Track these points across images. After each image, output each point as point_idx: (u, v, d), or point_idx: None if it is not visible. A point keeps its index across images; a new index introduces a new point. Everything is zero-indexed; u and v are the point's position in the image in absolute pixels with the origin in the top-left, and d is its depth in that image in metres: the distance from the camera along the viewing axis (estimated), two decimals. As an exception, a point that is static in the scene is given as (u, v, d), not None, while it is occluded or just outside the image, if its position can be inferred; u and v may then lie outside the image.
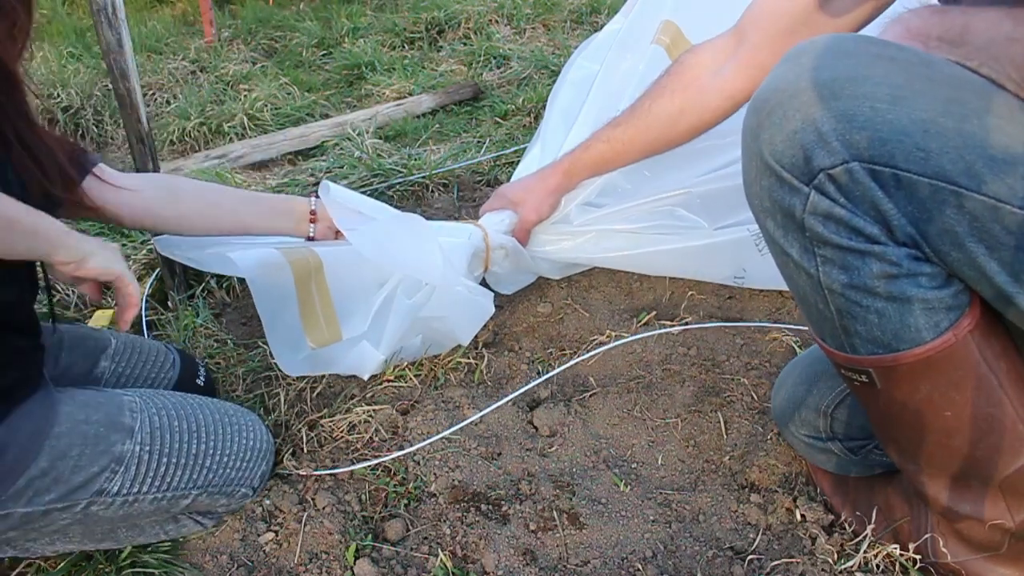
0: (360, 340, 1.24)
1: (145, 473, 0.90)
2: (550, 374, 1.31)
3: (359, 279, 1.26)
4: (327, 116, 2.52)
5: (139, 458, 0.90)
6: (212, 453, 0.96)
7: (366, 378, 1.27)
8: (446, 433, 1.17)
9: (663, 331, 1.38)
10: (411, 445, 1.16)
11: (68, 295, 1.52)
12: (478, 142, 2.18)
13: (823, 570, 0.95)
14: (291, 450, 1.15)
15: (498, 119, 2.33)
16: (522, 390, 1.26)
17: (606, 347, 1.35)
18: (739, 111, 1.18)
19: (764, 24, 1.07)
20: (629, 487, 1.09)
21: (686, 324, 1.40)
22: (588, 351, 1.35)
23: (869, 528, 0.96)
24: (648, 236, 1.42)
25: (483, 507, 1.07)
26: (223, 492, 0.99)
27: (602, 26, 1.75)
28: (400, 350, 1.30)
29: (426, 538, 1.03)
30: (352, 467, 1.12)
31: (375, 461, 1.13)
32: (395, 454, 1.14)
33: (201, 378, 1.19)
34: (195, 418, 0.97)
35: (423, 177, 1.94)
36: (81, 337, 1.10)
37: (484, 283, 1.43)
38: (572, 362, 1.32)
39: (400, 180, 1.93)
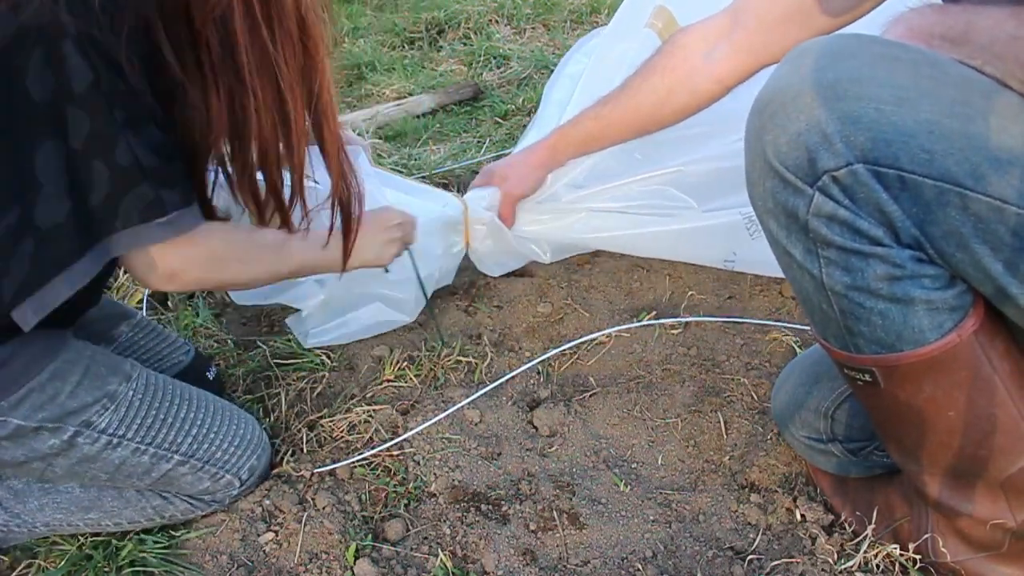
0: (306, 282, 1.31)
1: (132, 418, 0.94)
2: (539, 358, 1.31)
3: None
4: (327, 116, 2.51)
5: (130, 401, 0.94)
6: (199, 425, 1.00)
7: (304, 315, 1.33)
8: (446, 433, 1.17)
9: (663, 320, 1.38)
10: (411, 445, 1.15)
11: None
12: (478, 142, 2.18)
13: (823, 570, 0.95)
14: (291, 450, 1.15)
15: (498, 119, 2.33)
16: (512, 376, 1.26)
17: (607, 341, 1.35)
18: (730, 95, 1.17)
19: (759, 9, 1.06)
20: (629, 487, 1.09)
21: (685, 319, 1.40)
22: (588, 351, 1.35)
23: (869, 528, 0.96)
24: (638, 217, 1.40)
25: (483, 507, 1.06)
26: (206, 472, 1.00)
27: (602, 26, 1.75)
28: (346, 321, 1.36)
29: (426, 538, 1.03)
30: (351, 460, 1.12)
31: (373, 451, 1.13)
32: (392, 444, 1.14)
33: (211, 373, 1.22)
34: (189, 392, 1.02)
35: (423, 177, 1.94)
36: (111, 302, 1.18)
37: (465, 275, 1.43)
38: (556, 349, 1.32)
39: (400, 180, 1.93)
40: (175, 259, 0.87)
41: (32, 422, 0.86)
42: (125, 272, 1.58)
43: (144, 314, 1.45)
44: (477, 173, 2.00)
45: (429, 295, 1.39)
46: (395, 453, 1.15)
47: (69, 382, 0.89)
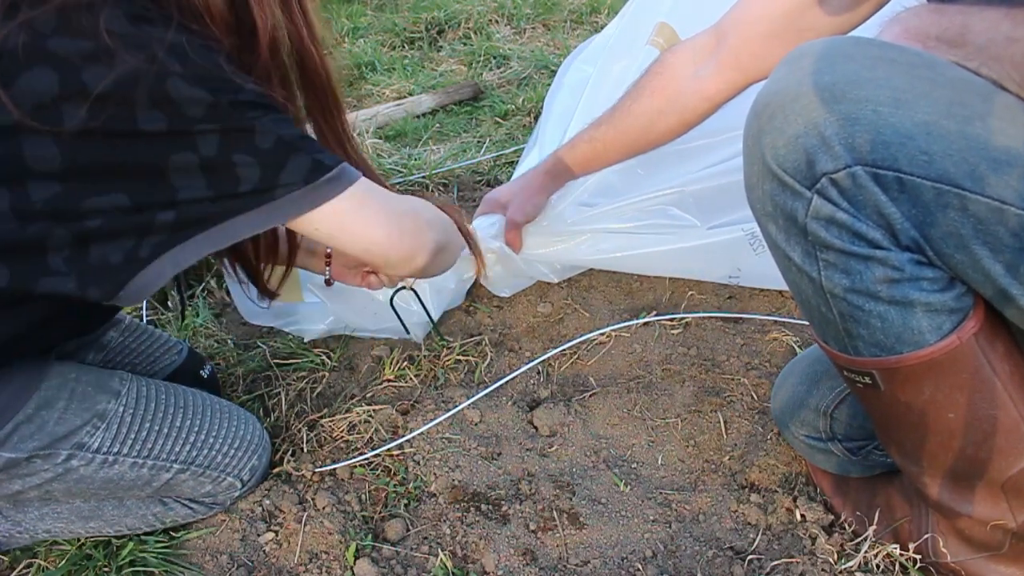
0: (316, 303, 1.34)
1: (126, 434, 0.93)
2: (539, 358, 1.31)
3: None
4: (327, 116, 2.51)
5: (121, 418, 0.93)
6: (197, 431, 0.99)
7: (306, 340, 1.38)
8: (446, 433, 1.17)
9: (662, 318, 1.38)
10: (411, 445, 1.16)
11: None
12: (478, 142, 2.18)
13: (823, 570, 0.95)
14: (291, 450, 1.15)
15: (498, 119, 2.33)
16: (512, 376, 1.26)
17: (607, 341, 1.35)
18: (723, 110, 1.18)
19: (744, 26, 1.07)
20: (629, 487, 1.09)
21: (685, 317, 1.40)
22: (588, 351, 1.35)
23: (870, 528, 0.96)
24: (643, 237, 1.42)
25: (483, 507, 1.07)
26: (208, 476, 1.00)
27: (602, 26, 1.75)
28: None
29: (426, 538, 1.03)
30: (351, 460, 1.12)
31: (374, 453, 1.13)
32: (392, 445, 1.14)
33: (206, 371, 1.21)
34: (184, 398, 1.01)
35: (423, 177, 1.94)
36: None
37: (474, 289, 1.43)
38: (556, 349, 1.32)
39: (400, 180, 1.93)
40: (409, 237, 0.92)
41: (23, 453, 0.86)
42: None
43: (144, 314, 1.45)
44: (477, 173, 2.02)
45: (436, 318, 1.40)
46: (395, 453, 1.15)
47: (56, 408, 0.88)
